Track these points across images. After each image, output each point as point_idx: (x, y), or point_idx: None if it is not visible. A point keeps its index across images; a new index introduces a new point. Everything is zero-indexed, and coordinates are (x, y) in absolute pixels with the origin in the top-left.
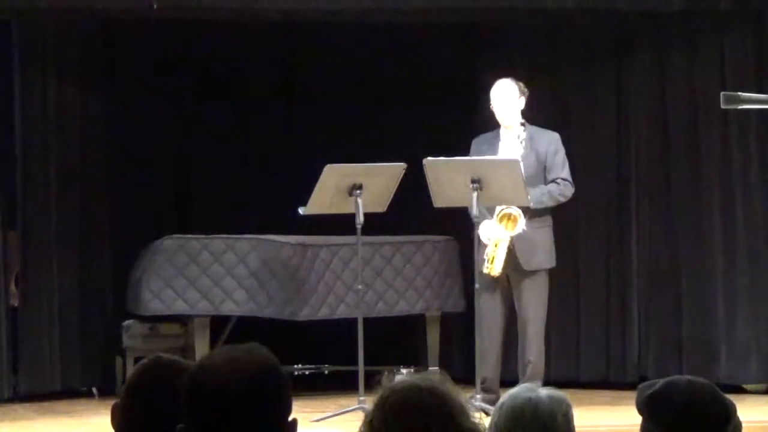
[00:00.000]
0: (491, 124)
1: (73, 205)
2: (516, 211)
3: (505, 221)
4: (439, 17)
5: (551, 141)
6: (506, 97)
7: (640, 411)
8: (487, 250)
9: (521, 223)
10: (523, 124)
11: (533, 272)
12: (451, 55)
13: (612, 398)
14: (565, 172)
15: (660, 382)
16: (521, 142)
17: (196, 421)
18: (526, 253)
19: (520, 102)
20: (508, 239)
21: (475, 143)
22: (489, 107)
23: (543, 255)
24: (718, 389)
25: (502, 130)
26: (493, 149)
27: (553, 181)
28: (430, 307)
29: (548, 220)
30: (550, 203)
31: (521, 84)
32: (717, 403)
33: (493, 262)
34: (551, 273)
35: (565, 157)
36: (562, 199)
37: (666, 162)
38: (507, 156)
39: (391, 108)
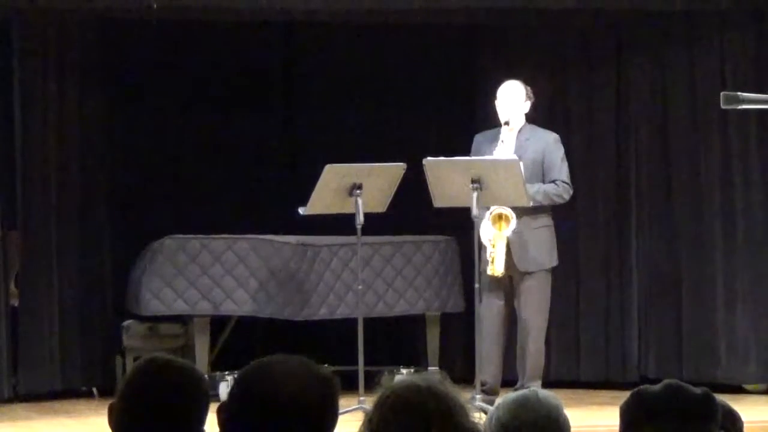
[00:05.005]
0: (491, 124)
1: (73, 205)
2: (507, 211)
3: (497, 222)
4: (439, 17)
5: (550, 142)
6: (513, 98)
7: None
8: (488, 252)
9: (513, 223)
10: (523, 125)
11: (532, 273)
12: (451, 55)
13: (612, 398)
14: (564, 174)
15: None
16: (519, 142)
17: (242, 419)
18: (518, 254)
19: (526, 105)
20: (505, 238)
21: (478, 139)
22: (489, 107)
23: (539, 255)
24: (691, 389)
25: (503, 130)
26: (492, 148)
27: (552, 182)
28: (430, 307)
29: (546, 221)
30: (545, 201)
31: (529, 88)
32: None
33: (494, 263)
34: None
35: (565, 158)
36: (559, 200)
37: (666, 162)
38: (505, 156)
39: (391, 108)
